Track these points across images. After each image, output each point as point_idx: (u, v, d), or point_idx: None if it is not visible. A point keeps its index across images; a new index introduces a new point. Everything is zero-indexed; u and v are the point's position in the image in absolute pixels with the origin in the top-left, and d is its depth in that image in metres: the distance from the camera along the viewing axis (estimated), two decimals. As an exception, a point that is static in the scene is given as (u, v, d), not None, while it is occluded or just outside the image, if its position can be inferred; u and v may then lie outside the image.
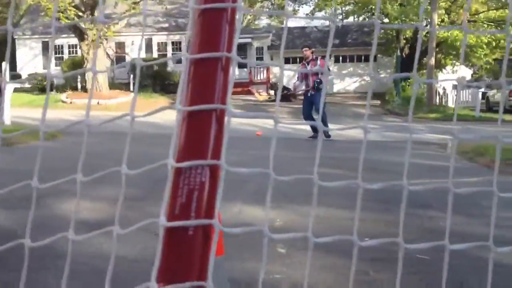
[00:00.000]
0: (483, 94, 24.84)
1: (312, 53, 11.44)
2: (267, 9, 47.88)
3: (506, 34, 0.91)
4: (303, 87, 11.36)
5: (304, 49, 11.61)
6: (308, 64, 11.12)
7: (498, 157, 0.93)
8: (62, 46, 30.31)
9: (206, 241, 0.76)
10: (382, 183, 0.87)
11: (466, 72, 31.00)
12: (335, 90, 32.53)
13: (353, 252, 0.87)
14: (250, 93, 30.57)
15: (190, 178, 0.76)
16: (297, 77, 11.99)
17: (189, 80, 0.79)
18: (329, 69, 10.64)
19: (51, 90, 27.25)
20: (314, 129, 10.69)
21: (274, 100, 26.70)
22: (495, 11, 26.97)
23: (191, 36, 0.80)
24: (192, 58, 0.79)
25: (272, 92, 30.61)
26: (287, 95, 11.48)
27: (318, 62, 11.00)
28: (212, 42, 0.79)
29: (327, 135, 10.59)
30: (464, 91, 26.04)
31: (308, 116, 11.09)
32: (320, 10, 31.69)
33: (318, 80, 10.89)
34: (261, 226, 0.78)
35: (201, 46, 0.79)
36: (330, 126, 10.63)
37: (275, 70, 32.26)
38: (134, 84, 25.96)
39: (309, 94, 11.08)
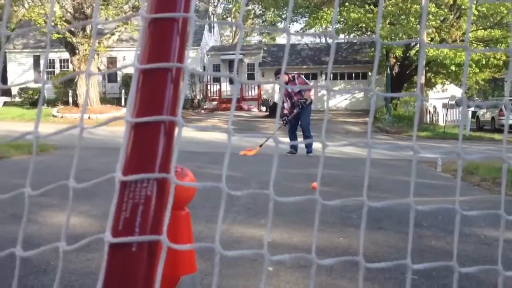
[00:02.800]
0: (473, 113, 25.05)
1: (286, 74, 11.17)
2: (258, 26, 48.14)
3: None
4: (287, 108, 11.22)
5: (277, 76, 11.40)
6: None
7: (505, 178, 0.91)
8: (53, 61, 30.28)
9: (152, 258, 0.72)
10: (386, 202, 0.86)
11: (456, 91, 31.31)
12: (326, 106, 32.66)
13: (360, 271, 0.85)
14: (241, 109, 30.66)
15: (135, 192, 0.72)
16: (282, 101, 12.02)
17: (138, 90, 0.76)
18: (307, 83, 10.41)
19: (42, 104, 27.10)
20: (294, 147, 11.12)
21: (267, 116, 26.79)
22: (483, 30, 27.28)
23: (141, 46, 0.77)
24: (142, 68, 0.76)
25: (263, 108, 30.72)
26: (285, 124, 11.46)
27: (296, 81, 11.09)
28: (162, 52, 0.76)
29: (309, 152, 10.94)
30: (454, 110, 26.24)
31: (292, 134, 11.29)
32: (310, 28, 31.94)
33: (303, 100, 11.01)
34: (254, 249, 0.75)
35: (151, 56, 0.76)
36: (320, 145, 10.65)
37: (266, 86, 32.40)
38: (125, 99, 25.95)
39: (295, 112, 11.08)
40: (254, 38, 52.62)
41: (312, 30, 31.73)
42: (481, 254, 3.80)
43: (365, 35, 31.19)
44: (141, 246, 0.71)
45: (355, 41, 32.09)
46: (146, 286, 0.71)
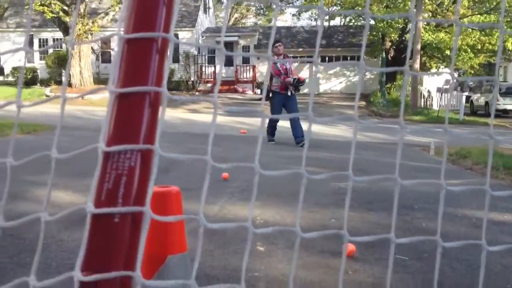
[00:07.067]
0: (467, 97, 25.06)
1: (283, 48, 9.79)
2: (254, 8, 47.83)
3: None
4: (276, 85, 9.61)
5: (278, 44, 9.68)
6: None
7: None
8: (46, 40, 30.01)
9: (135, 229, 0.71)
10: (367, 177, 0.86)
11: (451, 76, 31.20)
12: (321, 90, 32.67)
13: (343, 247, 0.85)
14: (236, 91, 30.59)
15: (118, 163, 0.71)
16: (273, 74, 9.72)
17: (122, 60, 0.74)
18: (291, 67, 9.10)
19: (35, 84, 26.98)
20: (273, 133, 9.97)
21: (261, 99, 26.75)
22: (479, 15, 27.20)
23: (126, 15, 0.75)
24: (126, 38, 0.73)
25: (258, 90, 30.64)
26: (269, 97, 9.70)
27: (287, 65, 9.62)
28: (148, 21, 0.74)
29: (301, 144, 9.49)
30: (449, 94, 26.21)
31: (272, 124, 9.83)
32: (306, 11, 31.77)
33: (300, 81, 9.55)
34: (241, 223, 0.75)
35: (136, 25, 0.74)
36: (315, 127, 10.54)
37: (261, 68, 32.27)
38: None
39: (288, 93, 9.58)
40: (250, 20, 52.25)
41: (309, 13, 31.50)
42: (472, 236, 3.83)
43: (361, 18, 31.06)
44: (124, 217, 0.70)
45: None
46: (129, 257, 0.70)
